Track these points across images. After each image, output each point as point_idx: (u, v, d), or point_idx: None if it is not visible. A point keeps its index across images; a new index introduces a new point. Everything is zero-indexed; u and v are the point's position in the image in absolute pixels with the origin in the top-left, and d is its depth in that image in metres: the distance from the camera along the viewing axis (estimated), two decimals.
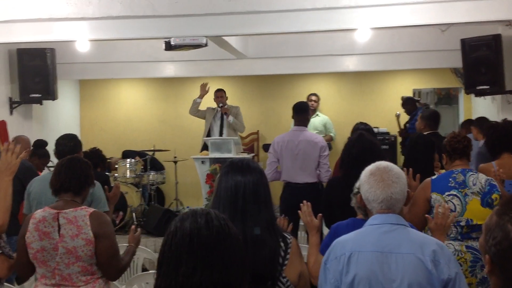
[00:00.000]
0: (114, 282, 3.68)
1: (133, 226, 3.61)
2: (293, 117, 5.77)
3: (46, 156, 5.73)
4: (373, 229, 2.26)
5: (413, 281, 2.12)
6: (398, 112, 8.72)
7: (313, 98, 9.11)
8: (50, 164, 6.07)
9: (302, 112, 5.70)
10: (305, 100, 8.72)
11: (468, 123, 7.16)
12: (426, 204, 3.54)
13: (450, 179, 3.59)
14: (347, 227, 2.50)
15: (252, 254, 2.20)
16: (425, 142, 4.42)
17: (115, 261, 3.10)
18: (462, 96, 9.80)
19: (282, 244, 2.31)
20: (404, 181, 2.32)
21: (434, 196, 3.56)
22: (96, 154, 5.67)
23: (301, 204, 3.06)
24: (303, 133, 5.63)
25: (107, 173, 7.22)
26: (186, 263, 1.53)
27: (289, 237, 2.37)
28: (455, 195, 3.52)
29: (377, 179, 2.28)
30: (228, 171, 2.36)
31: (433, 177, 3.71)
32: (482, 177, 3.58)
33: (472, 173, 3.61)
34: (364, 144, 3.65)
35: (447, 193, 3.54)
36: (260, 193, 2.31)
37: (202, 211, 1.63)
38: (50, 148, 6.27)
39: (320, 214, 3.02)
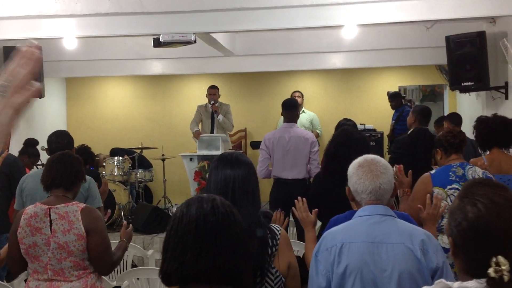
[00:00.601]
0: (105, 278, 3.71)
1: (124, 222, 3.63)
2: (282, 114, 5.81)
3: (36, 155, 5.73)
4: (363, 221, 2.31)
5: (404, 270, 2.18)
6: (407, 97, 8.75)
7: (297, 94, 9.18)
8: (39, 163, 6.06)
9: (292, 109, 5.74)
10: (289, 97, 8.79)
11: (441, 119, 7.24)
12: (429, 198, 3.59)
13: (450, 173, 3.64)
14: (346, 219, 2.55)
15: None
16: (425, 137, 4.44)
17: (107, 256, 3.12)
18: (447, 93, 9.92)
19: (270, 235, 2.34)
20: (391, 172, 2.38)
21: (436, 190, 3.61)
22: (85, 151, 5.67)
23: (296, 201, 3.09)
24: (294, 129, 5.68)
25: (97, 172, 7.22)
26: (192, 249, 1.55)
27: (278, 228, 2.40)
28: (457, 188, 3.57)
29: (365, 170, 2.33)
30: (217, 165, 2.38)
31: (432, 172, 3.75)
32: (479, 171, 3.66)
33: (470, 166, 3.68)
34: (347, 141, 3.68)
35: (448, 187, 3.60)
36: (249, 186, 2.34)
37: (208, 197, 1.65)
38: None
39: (316, 210, 3.05)
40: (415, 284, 2.17)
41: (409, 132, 5.43)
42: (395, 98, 8.67)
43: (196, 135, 7.97)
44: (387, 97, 8.91)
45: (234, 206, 2.23)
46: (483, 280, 1.42)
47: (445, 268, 2.20)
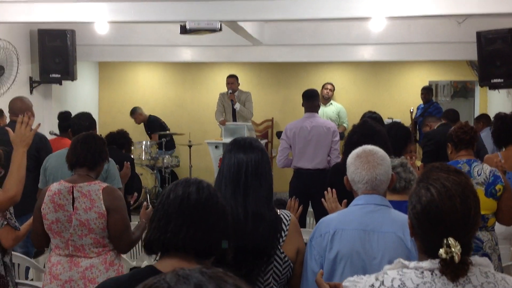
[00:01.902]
0: (125, 257, 3.82)
1: (144, 203, 3.72)
2: (303, 104, 5.83)
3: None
4: (358, 209, 2.36)
5: (393, 258, 2.18)
6: (412, 108, 8.75)
7: (329, 87, 9.16)
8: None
9: (312, 99, 5.74)
10: (319, 88, 8.80)
11: (480, 117, 7.22)
12: None
13: None
14: None
15: (251, 229, 2.30)
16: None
17: (126, 235, 3.21)
18: (478, 90, 9.77)
19: (280, 220, 2.38)
20: (389, 164, 2.42)
21: None
22: (122, 136, 5.76)
23: (325, 192, 3.10)
24: (315, 119, 5.68)
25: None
26: (175, 220, 1.72)
27: (288, 214, 2.44)
28: None
29: (362, 161, 2.38)
30: (231, 149, 2.43)
31: None
32: (487, 168, 3.62)
33: (477, 163, 3.66)
34: (364, 131, 3.70)
35: None
36: (261, 171, 2.38)
37: (195, 179, 1.81)
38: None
39: (345, 200, 3.04)
40: None
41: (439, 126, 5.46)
42: (429, 91, 8.66)
43: (222, 122, 8.08)
44: (415, 92, 8.84)
45: (246, 190, 2.32)
46: (437, 261, 1.50)
47: None
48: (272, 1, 5.35)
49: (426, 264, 1.53)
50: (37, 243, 3.36)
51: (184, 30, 5.40)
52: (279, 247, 2.35)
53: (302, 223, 4.97)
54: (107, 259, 3.17)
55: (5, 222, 3.18)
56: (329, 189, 3.11)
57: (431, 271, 1.52)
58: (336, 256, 2.29)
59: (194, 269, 0.95)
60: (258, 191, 2.35)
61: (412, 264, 1.56)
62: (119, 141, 5.51)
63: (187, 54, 8.89)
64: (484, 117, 7.18)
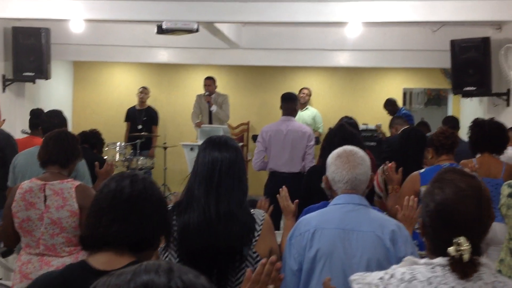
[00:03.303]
0: None
1: None
2: (281, 106, 5.84)
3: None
4: (337, 208, 2.38)
5: (372, 257, 2.25)
6: (379, 123, 8.85)
7: (305, 91, 9.22)
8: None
9: (291, 101, 5.76)
10: (296, 93, 8.82)
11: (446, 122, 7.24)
12: (415, 197, 3.63)
13: None
14: (319, 209, 2.61)
15: (223, 229, 2.28)
16: (417, 136, 4.50)
17: None
18: (451, 98, 9.93)
19: (253, 220, 2.37)
20: (368, 164, 2.45)
21: (424, 189, 3.64)
22: (94, 136, 5.70)
23: (280, 189, 3.15)
24: (291, 122, 5.70)
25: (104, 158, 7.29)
26: (107, 215, 1.72)
27: (262, 214, 2.43)
28: None
29: (343, 160, 2.41)
30: (205, 147, 2.41)
31: (421, 171, 3.78)
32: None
33: (459, 168, 3.72)
34: (344, 134, 3.74)
35: None
36: (235, 170, 2.36)
37: (129, 173, 1.82)
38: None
39: (297, 200, 3.12)
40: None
41: (400, 132, 5.49)
42: (388, 105, 8.74)
43: (198, 125, 8.05)
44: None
45: (218, 189, 2.30)
46: (448, 258, 1.52)
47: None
48: (250, 3, 5.37)
49: (437, 260, 1.55)
50: (7, 241, 3.31)
51: (160, 30, 5.39)
52: (252, 247, 2.34)
53: (276, 225, 4.98)
54: (79, 258, 3.11)
55: None
56: (283, 187, 3.16)
57: (443, 266, 1.54)
58: (316, 255, 2.31)
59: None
60: (232, 190, 2.34)
61: (423, 260, 1.59)
62: (91, 141, 5.44)
63: (163, 55, 8.85)
64: (451, 121, 7.20)
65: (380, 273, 1.61)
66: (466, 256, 1.48)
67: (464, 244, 1.48)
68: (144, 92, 9.20)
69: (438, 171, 1.70)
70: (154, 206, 1.76)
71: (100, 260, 1.69)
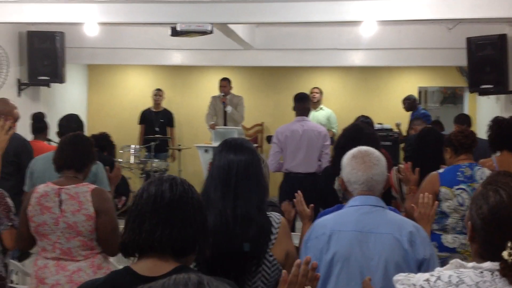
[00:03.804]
0: (112, 260, 3.77)
1: None
2: (294, 107, 5.83)
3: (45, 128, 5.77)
4: (354, 210, 2.34)
5: (390, 260, 2.20)
6: (399, 121, 8.76)
7: (316, 91, 9.20)
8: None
9: (303, 101, 5.76)
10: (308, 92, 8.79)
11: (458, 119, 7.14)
12: (434, 197, 3.59)
13: (458, 173, 3.63)
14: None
15: (240, 232, 2.26)
16: (435, 136, 4.46)
17: (114, 237, 3.14)
18: (467, 96, 9.82)
19: (270, 223, 2.34)
20: (384, 164, 2.40)
21: (443, 190, 3.61)
22: (104, 138, 5.73)
23: (296, 193, 3.12)
24: (306, 123, 5.68)
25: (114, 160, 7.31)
26: (149, 220, 1.68)
27: (278, 217, 2.40)
28: (464, 189, 3.57)
29: (358, 161, 2.36)
30: (221, 150, 2.40)
31: (440, 171, 3.74)
32: (488, 172, 3.63)
33: (478, 167, 3.67)
34: (352, 134, 3.68)
35: (456, 187, 3.59)
36: (251, 172, 2.34)
37: (168, 177, 1.78)
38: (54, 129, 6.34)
39: (312, 205, 3.08)
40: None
41: (418, 132, 5.43)
42: (407, 101, 8.62)
43: (212, 126, 8.04)
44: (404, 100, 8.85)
45: (236, 192, 2.28)
46: (497, 262, 1.47)
47: (432, 260, 2.22)
48: (264, 4, 5.35)
49: (486, 264, 1.51)
50: (23, 245, 3.31)
51: (175, 32, 5.38)
52: (268, 250, 2.31)
53: (291, 227, 4.95)
54: (95, 262, 3.12)
55: (10, 224, 3.15)
56: (299, 192, 3.12)
57: (491, 271, 1.50)
58: (333, 258, 2.26)
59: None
60: (249, 192, 2.31)
61: (471, 264, 1.54)
62: (100, 143, 5.45)
63: (177, 58, 8.86)
64: (464, 119, 7.09)
65: (425, 275, 1.58)
66: None
67: None
68: (159, 94, 9.22)
69: (490, 174, 1.67)
70: (194, 209, 1.74)
71: (144, 266, 1.66)
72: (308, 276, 1.70)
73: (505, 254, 1.45)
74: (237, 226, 2.26)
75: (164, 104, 9.47)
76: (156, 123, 9.03)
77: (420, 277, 1.58)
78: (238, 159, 2.34)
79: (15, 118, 4.69)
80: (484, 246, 1.56)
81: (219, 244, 2.24)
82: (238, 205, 2.29)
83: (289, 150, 5.63)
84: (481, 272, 1.50)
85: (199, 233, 1.73)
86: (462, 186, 3.58)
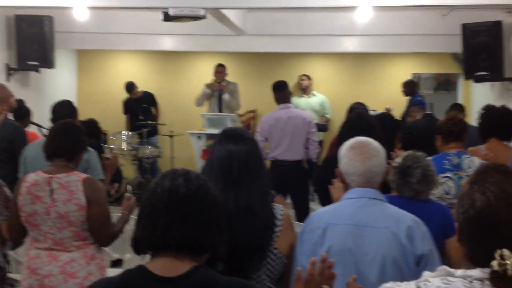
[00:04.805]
0: (107, 249, 3.71)
1: (127, 194, 3.61)
2: (275, 96, 5.78)
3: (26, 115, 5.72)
4: (350, 203, 2.26)
5: (387, 255, 2.13)
6: (389, 107, 8.72)
7: (303, 78, 9.21)
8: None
9: (281, 89, 5.72)
10: (297, 80, 8.81)
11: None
12: None
13: (445, 161, 3.59)
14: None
15: (242, 225, 2.19)
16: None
17: (107, 227, 3.11)
18: (461, 83, 9.80)
19: (274, 215, 2.29)
20: (383, 156, 2.32)
21: None
22: (91, 124, 5.67)
23: (333, 180, 2.92)
24: (291, 109, 5.64)
25: (103, 144, 7.24)
26: (164, 216, 1.59)
27: (281, 208, 2.34)
28: (450, 177, 3.54)
29: (356, 152, 2.28)
30: (221, 140, 2.32)
31: (427, 158, 3.71)
32: (477, 160, 3.59)
33: (466, 155, 3.63)
34: (363, 125, 3.63)
35: (441, 175, 3.55)
36: (252, 162, 2.27)
37: (182, 170, 1.69)
38: (45, 116, 6.25)
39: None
40: (398, 270, 2.11)
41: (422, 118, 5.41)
42: (407, 86, 8.57)
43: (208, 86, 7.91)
44: (399, 84, 8.81)
45: (237, 183, 2.21)
46: (488, 270, 1.36)
47: (432, 255, 2.15)
48: None
49: (475, 273, 1.39)
50: (14, 235, 3.23)
51: (167, 17, 5.29)
52: (273, 243, 2.26)
53: None
54: (88, 253, 3.07)
55: (9, 214, 3.08)
56: (335, 180, 2.90)
57: (481, 280, 1.37)
58: (327, 252, 2.17)
59: None
60: (250, 184, 2.24)
61: (459, 272, 1.42)
62: (89, 130, 5.37)
63: (168, 43, 8.76)
64: (458, 108, 7.05)
65: (411, 286, 1.46)
66: (510, 271, 1.31)
67: (508, 257, 1.31)
68: (134, 89, 9.11)
69: (479, 168, 1.51)
70: (210, 205, 1.65)
71: (159, 265, 1.58)
72: (325, 275, 1.62)
73: (495, 264, 1.33)
74: (240, 219, 2.19)
75: (155, 90, 9.37)
76: (139, 111, 8.94)
77: (407, 286, 1.47)
78: (239, 149, 2.27)
79: (10, 106, 4.64)
80: (472, 251, 1.43)
81: None
82: (240, 197, 2.22)
83: (274, 138, 5.58)
84: (471, 282, 1.39)
85: (215, 230, 1.64)
86: (448, 174, 3.54)
